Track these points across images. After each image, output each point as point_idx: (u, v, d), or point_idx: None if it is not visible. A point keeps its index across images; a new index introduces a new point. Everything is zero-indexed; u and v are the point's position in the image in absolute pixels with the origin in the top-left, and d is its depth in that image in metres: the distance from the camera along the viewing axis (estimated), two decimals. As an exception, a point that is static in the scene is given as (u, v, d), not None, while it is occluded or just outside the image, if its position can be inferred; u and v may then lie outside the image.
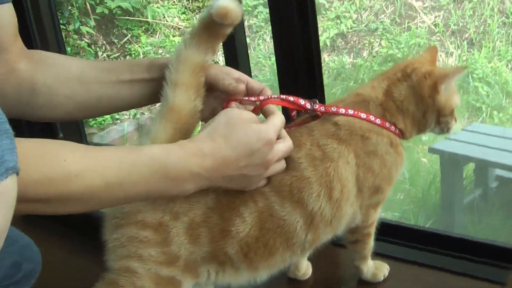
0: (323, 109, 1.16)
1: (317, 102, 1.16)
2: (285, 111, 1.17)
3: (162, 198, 1.04)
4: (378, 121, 1.17)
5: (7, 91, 1.18)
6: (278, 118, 1.06)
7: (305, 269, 1.45)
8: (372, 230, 1.30)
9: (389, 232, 1.46)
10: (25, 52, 1.22)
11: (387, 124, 1.19)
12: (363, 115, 1.16)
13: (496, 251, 1.38)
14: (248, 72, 1.72)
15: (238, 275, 1.13)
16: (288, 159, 1.10)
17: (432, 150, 4.00)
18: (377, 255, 1.39)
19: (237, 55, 1.67)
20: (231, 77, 1.16)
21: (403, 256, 1.45)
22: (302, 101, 1.15)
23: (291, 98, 1.15)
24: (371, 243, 1.33)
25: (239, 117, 1.03)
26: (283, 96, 1.14)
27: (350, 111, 1.15)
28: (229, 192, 1.08)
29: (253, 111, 1.12)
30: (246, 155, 1.00)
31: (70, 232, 1.84)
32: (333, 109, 1.16)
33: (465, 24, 5.62)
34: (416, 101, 1.20)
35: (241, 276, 1.14)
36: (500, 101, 4.92)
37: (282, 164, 1.08)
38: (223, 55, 1.70)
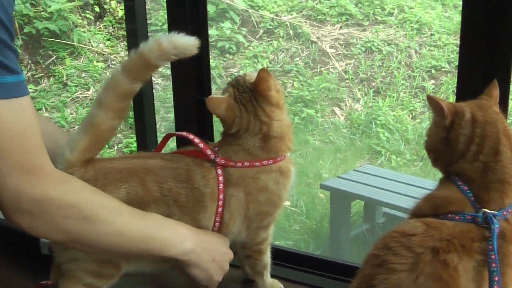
0: (223, 162, 1.33)
1: (219, 156, 1.34)
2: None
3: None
4: (270, 161, 1.35)
5: None
6: None
7: None
8: (263, 248, 1.43)
9: (284, 258, 1.63)
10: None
11: (279, 159, 1.36)
12: (257, 164, 1.33)
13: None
14: (152, 108, 1.90)
15: (149, 261, 1.38)
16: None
17: (323, 187, 4.30)
18: (274, 276, 1.54)
19: (142, 92, 1.80)
20: None
21: (295, 278, 1.61)
22: (209, 151, 1.34)
23: (201, 145, 1.35)
24: (263, 260, 1.45)
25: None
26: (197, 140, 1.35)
27: (246, 163, 1.33)
28: (136, 191, 1.29)
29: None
30: (221, 245, 1.34)
31: None
32: (231, 163, 1.33)
33: (373, 73, 6.04)
34: (281, 110, 1.35)
35: (151, 262, 1.39)
36: (399, 146, 5.32)
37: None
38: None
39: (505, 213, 1.07)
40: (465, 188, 1.12)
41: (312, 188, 4.78)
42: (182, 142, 1.49)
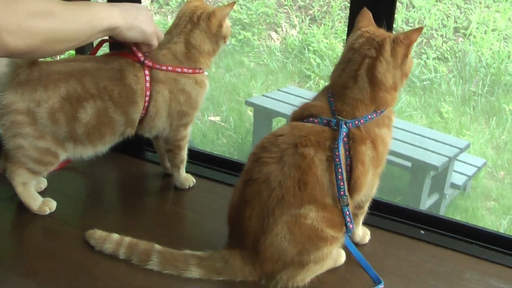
0: (150, 64, 1.57)
1: (148, 58, 1.58)
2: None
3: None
4: (190, 71, 1.62)
5: None
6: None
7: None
8: (183, 144, 1.70)
9: (201, 159, 1.92)
10: None
11: (197, 70, 1.62)
12: (179, 69, 1.60)
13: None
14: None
15: (85, 149, 1.60)
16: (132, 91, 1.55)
17: (248, 103, 4.59)
18: (192, 174, 1.81)
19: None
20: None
21: (208, 175, 1.87)
22: (140, 54, 1.57)
23: (134, 48, 1.57)
24: (181, 155, 1.72)
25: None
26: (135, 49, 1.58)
27: (170, 68, 1.59)
28: (75, 89, 1.50)
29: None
30: (138, 11, 1.49)
31: None
32: (157, 66, 1.58)
33: (311, 2, 6.22)
34: (210, 39, 1.63)
35: (88, 150, 1.60)
36: (328, 72, 5.53)
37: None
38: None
39: (357, 122, 1.30)
40: (332, 99, 1.35)
41: (241, 106, 5.07)
42: (114, 48, 1.73)
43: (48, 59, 1.59)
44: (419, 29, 1.33)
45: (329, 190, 1.27)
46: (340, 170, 1.26)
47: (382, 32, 1.36)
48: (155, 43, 1.56)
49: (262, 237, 1.26)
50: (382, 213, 1.66)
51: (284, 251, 1.26)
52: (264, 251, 1.27)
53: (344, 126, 1.29)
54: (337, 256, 1.41)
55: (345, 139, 1.29)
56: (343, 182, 1.26)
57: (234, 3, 1.68)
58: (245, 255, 1.30)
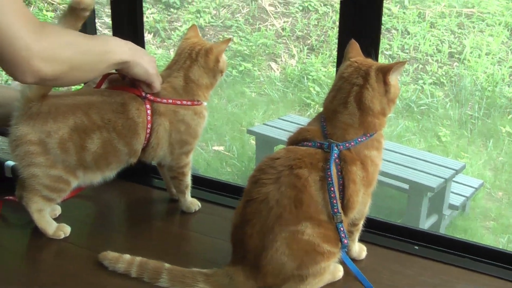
0: (152, 98, 1.67)
1: (148, 94, 1.67)
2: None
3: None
4: (189, 103, 1.73)
5: None
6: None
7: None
8: (186, 171, 1.79)
9: (206, 185, 2.02)
10: None
11: (195, 102, 1.73)
12: (178, 102, 1.70)
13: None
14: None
15: (95, 175, 1.69)
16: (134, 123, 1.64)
17: (249, 132, 4.68)
18: (197, 198, 1.89)
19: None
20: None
21: (212, 199, 1.96)
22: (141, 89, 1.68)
23: (137, 82, 1.67)
24: (186, 181, 1.81)
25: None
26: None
27: (170, 101, 1.69)
28: (82, 121, 1.59)
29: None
30: (144, 53, 1.63)
31: None
32: (158, 99, 1.67)
33: (308, 32, 6.35)
34: (207, 74, 1.73)
35: (97, 176, 1.70)
36: None
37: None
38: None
39: (347, 145, 1.40)
40: (324, 124, 1.44)
41: (244, 135, 5.18)
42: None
43: (56, 91, 1.69)
44: (402, 62, 1.44)
45: (324, 208, 1.36)
46: (332, 189, 1.35)
47: (369, 61, 1.46)
48: (156, 85, 1.66)
49: (263, 253, 1.34)
50: (378, 231, 1.74)
51: (284, 265, 1.34)
52: (265, 266, 1.35)
53: (336, 148, 1.38)
54: (335, 271, 1.49)
55: (337, 160, 1.38)
56: (336, 200, 1.35)
57: (230, 39, 1.80)
58: (248, 270, 1.38)
